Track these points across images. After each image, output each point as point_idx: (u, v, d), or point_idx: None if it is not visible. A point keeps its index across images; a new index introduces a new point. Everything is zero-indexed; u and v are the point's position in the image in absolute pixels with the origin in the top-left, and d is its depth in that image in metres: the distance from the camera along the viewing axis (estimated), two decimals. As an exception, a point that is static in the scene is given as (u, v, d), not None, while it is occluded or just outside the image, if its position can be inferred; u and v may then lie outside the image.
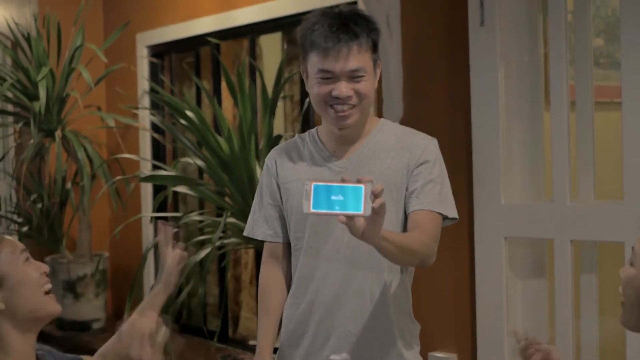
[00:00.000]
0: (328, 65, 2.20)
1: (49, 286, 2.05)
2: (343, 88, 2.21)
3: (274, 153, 2.44)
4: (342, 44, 2.18)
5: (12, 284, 1.96)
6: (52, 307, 2.03)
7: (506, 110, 3.51)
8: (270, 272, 2.43)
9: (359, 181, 1.87)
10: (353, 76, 2.21)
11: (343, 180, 1.89)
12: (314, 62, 2.23)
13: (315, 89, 2.25)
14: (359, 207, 1.86)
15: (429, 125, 3.64)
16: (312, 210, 1.88)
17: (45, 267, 2.06)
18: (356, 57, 2.20)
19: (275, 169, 2.40)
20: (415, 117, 3.76)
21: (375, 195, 1.87)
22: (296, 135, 2.47)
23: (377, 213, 1.89)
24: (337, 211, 1.87)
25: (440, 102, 3.73)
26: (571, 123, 3.33)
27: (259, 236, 2.43)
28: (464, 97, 3.59)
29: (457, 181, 3.55)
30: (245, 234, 2.47)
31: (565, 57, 3.28)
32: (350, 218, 1.89)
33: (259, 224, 2.42)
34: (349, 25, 2.19)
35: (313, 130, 2.42)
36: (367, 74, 2.23)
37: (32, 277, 2.00)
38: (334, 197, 1.87)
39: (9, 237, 2.08)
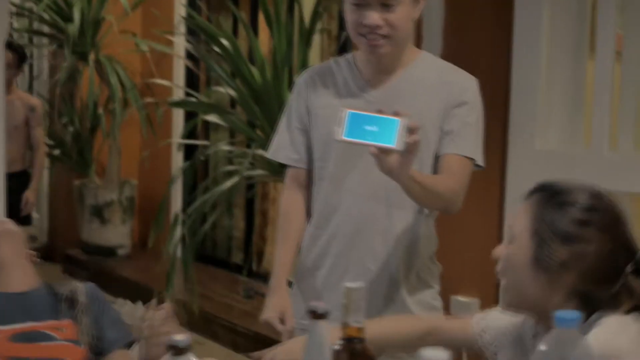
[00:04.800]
0: None
1: None
2: (373, 16, 2.12)
3: (306, 75, 2.35)
4: None
5: None
6: None
7: (549, 53, 3.39)
8: (293, 198, 2.35)
9: (395, 114, 1.79)
10: (385, 4, 2.12)
11: (379, 111, 1.81)
12: None
13: (348, 16, 2.18)
14: (392, 140, 1.79)
15: (467, 63, 3.51)
16: (344, 137, 1.80)
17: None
18: None
19: (306, 92, 2.31)
20: (455, 54, 3.63)
21: (410, 131, 1.79)
22: (331, 59, 2.37)
23: (410, 150, 1.82)
24: (369, 142, 1.79)
25: (480, 40, 3.61)
26: (616, 73, 3.21)
27: (282, 159, 2.36)
28: (506, 37, 3.48)
29: (492, 123, 3.45)
30: (268, 155, 2.39)
31: (613, 4, 3.15)
32: (381, 151, 1.81)
33: (284, 146, 2.34)
34: None
35: (349, 55, 2.32)
36: (401, 4, 2.12)
37: None
38: (367, 127, 1.79)
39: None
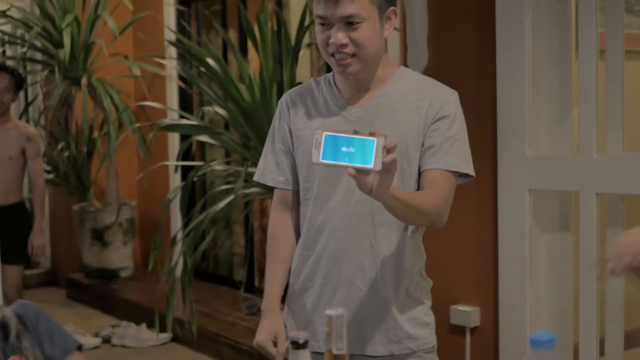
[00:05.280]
0: (321, 11, 2.12)
1: None
2: (337, 35, 2.12)
3: (287, 97, 2.36)
4: None
5: None
6: None
7: (533, 59, 3.40)
8: (280, 220, 2.36)
9: (371, 134, 1.80)
10: (347, 22, 2.11)
11: (355, 132, 1.81)
12: (314, 8, 2.16)
13: (317, 36, 2.18)
14: (370, 160, 1.79)
15: (453, 73, 3.55)
16: (321, 160, 1.81)
17: None
18: (348, 3, 2.09)
19: (287, 114, 2.32)
20: (440, 64, 3.67)
21: (387, 150, 1.80)
22: (312, 79, 2.38)
23: (388, 169, 1.82)
24: (346, 163, 1.80)
25: (465, 49, 3.63)
26: (600, 73, 3.21)
27: (269, 182, 2.36)
28: (490, 44, 3.49)
29: (480, 132, 3.49)
30: (255, 178, 2.40)
31: (594, 3, 3.16)
32: (359, 171, 1.82)
33: (270, 169, 2.35)
34: None
35: (329, 75, 2.32)
36: (365, 21, 2.12)
37: None
38: (344, 149, 1.80)
39: None
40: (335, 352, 1.39)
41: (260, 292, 5.67)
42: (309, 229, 2.29)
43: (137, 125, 5.57)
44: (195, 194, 6.03)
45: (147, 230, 6.58)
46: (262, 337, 2.25)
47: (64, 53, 5.68)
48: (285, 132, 2.32)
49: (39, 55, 6.42)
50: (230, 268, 6.24)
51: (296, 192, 2.33)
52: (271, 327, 2.26)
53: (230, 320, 5.18)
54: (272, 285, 2.33)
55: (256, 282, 5.86)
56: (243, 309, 5.32)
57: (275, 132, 2.35)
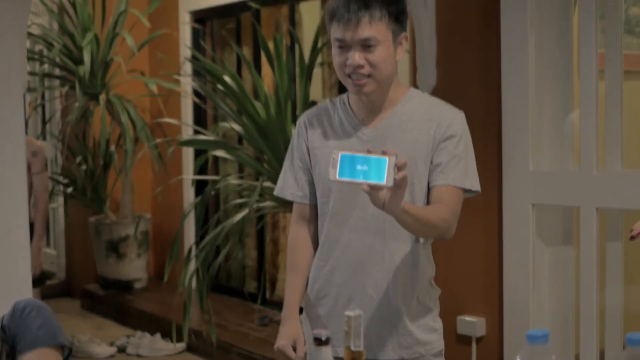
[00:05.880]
0: (340, 34, 2.27)
1: None
2: (355, 56, 2.26)
3: (305, 117, 2.52)
4: (351, 13, 2.24)
5: None
6: None
7: (536, 78, 3.53)
8: (299, 232, 2.52)
9: (384, 153, 1.96)
10: (364, 45, 2.26)
11: (368, 151, 1.98)
12: (332, 31, 2.31)
13: (334, 59, 2.33)
14: (382, 177, 1.95)
15: (460, 93, 3.70)
16: (337, 178, 1.98)
17: None
18: (366, 27, 2.24)
19: (305, 133, 2.48)
20: (448, 84, 3.81)
21: (398, 168, 1.96)
22: (327, 100, 2.53)
23: (399, 185, 1.98)
24: (360, 180, 1.96)
25: (471, 69, 3.77)
26: (600, 91, 3.35)
27: (288, 196, 2.52)
28: (495, 65, 3.64)
29: (486, 148, 3.63)
30: (275, 193, 2.56)
31: (594, 25, 3.30)
32: (372, 187, 1.98)
33: (289, 184, 2.51)
34: None
35: (344, 96, 2.48)
36: (381, 44, 2.26)
37: None
38: (359, 167, 1.96)
39: None
40: (353, 349, 1.54)
41: (271, 303, 5.81)
42: (325, 241, 2.44)
43: (156, 141, 5.72)
44: (208, 207, 6.18)
45: (161, 242, 6.74)
46: (282, 342, 2.40)
47: (84, 70, 5.86)
48: (303, 150, 2.47)
49: (57, 71, 6.60)
50: (242, 280, 6.38)
51: (314, 206, 2.48)
52: (290, 333, 2.42)
53: (243, 331, 5.32)
54: (291, 293, 2.48)
55: (268, 294, 6.00)
56: (255, 320, 5.46)
57: (294, 150, 2.50)
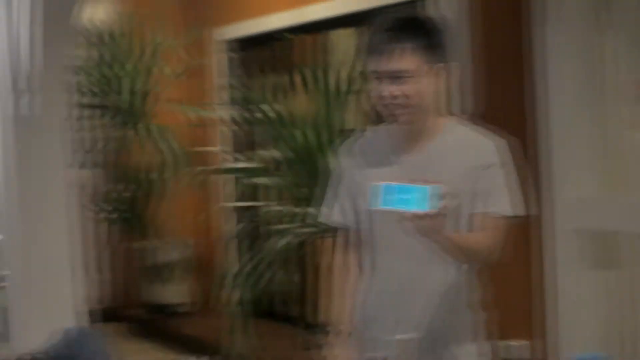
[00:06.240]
0: (374, 66, 2.32)
1: None
2: (389, 89, 2.31)
3: (347, 146, 2.57)
4: (384, 46, 2.28)
5: None
6: None
7: (576, 103, 3.54)
8: (345, 258, 2.56)
9: (425, 181, 2.00)
10: (397, 77, 2.30)
11: (410, 181, 2.02)
12: (368, 63, 2.35)
13: (372, 89, 2.37)
14: (424, 206, 2.00)
15: (497, 120, 3.70)
16: (380, 206, 2.02)
17: None
18: (399, 59, 2.28)
19: (347, 161, 2.52)
20: (486, 112, 3.83)
21: (440, 196, 2.00)
22: (369, 128, 2.58)
23: (441, 213, 2.03)
24: (403, 209, 2.00)
25: (509, 96, 3.78)
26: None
27: (333, 223, 2.56)
28: (534, 91, 3.65)
29: (526, 174, 3.63)
30: (320, 219, 2.61)
31: (634, 50, 3.31)
32: (415, 216, 2.02)
33: (333, 211, 2.55)
34: (399, 28, 2.29)
35: (386, 124, 2.50)
36: (415, 76, 2.29)
37: None
38: (400, 196, 2.01)
39: None
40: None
41: (314, 327, 5.82)
42: (370, 267, 2.48)
43: (199, 169, 5.77)
44: (249, 234, 6.22)
45: (203, 267, 6.80)
46: None
47: (123, 99, 5.97)
48: (345, 177, 2.52)
49: (96, 101, 6.71)
50: (284, 305, 6.41)
51: (358, 232, 2.52)
52: (340, 357, 2.48)
53: (287, 355, 5.35)
54: (340, 317, 2.53)
55: (310, 319, 6.01)
56: (299, 344, 5.49)
57: (337, 177, 2.55)
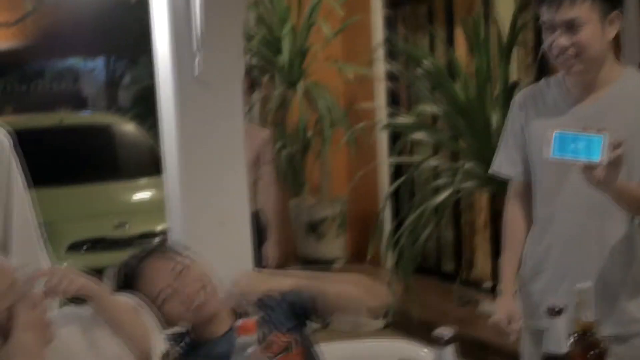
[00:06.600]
0: (545, 16, 2.30)
1: None
2: (560, 39, 2.28)
3: (519, 96, 2.56)
4: None
5: None
6: None
7: None
8: (514, 209, 2.57)
9: (599, 131, 1.98)
10: (569, 26, 2.26)
11: (584, 129, 2.00)
12: (540, 14, 2.33)
13: (544, 39, 2.35)
14: (597, 156, 1.98)
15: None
16: (552, 155, 2.01)
17: None
18: (569, 8, 2.24)
19: (520, 112, 2.52)
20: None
21: (614, 146, 1.97)
22: (543, 79, 2.56)
23: (614, 163, 2.00)
24: (575, 158, 1.99)
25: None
26: None
27: (504, 174, 2.58)
28: None
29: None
30: (490, 171, 2.62)
31: None
32: (587, 166, 2.00)
33: (504, 163, 2.57)
34: None
35: (559, 75, 2.48)
36: (586, 24, 2.25)
37: None
38: (573, 145, 1.99)
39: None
40: (584, 320, 1.59)
41: (469, 284, 5.84)
42: (540, 219, 2.48)
43: (360, 126, 5.84)
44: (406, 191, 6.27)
45: (357, 223, 6.91)
46: (498, 316, 2.47)
47: (283, 59, 6.12)
48: (517, 129, 2.52)
49: (256, 61, 6.90)
50: (439, 260, 6.45)
51: (529, 184, 2.53)
52: (506, 308, 2.48)
53: (442, 310, 5.39)
54: (507, 269, 2.54)
55: (465, 275, 6.03)
56: (454, 299, 5.52)
57: (509, 128, 2.55)
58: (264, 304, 2.28)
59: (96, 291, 1.92)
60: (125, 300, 2.04)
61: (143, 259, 2.20)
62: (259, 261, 4.12)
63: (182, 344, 2.20)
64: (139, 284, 2.16)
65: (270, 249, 4.39)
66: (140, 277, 2.17)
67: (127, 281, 2.18)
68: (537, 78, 3.91)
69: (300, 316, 2.30)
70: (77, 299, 1.89)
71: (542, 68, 4.78)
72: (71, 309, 2.00)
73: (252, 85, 4.43)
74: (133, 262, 2.21)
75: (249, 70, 4.48)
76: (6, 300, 1.57)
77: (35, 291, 1.70)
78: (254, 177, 4.31)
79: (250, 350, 1.35)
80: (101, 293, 1.94)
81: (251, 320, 1.37)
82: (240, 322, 1.37)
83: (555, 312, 1.56)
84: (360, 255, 6.43)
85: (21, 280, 1.67)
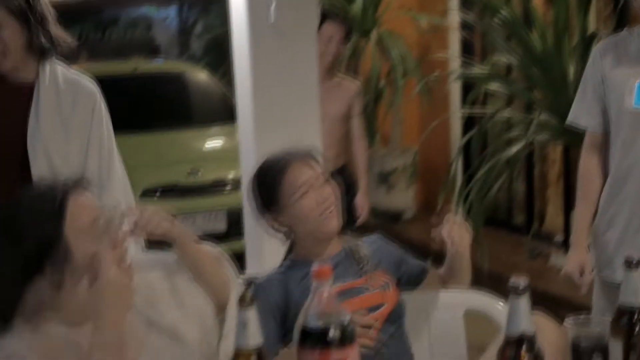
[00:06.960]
0: None
1: None
2: None
3: (600, 46, 2.52)
4: None
5: None
6: None
7: None
8: (590, 161, 2.54)
9: None
10: None
11: None
12: None
13: None
14: None
15: None
16: (635, 105, 1.97)
17: None
18: None
19: (600, 62, 2.48)
20: None
21: None
22: (625, 29, 2.51)
23: None
24: None
25: None
26: None
27: (580, 125, 2.55)
28: None
29: None
30: (567, 122, 2.59)
31: None
32: None
33: (582, 114, 2.54)
34: None
35: None
36: None
37: None
38: None
39: None
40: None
41: (540, 237, 5.79)
42: (616, 171, 2.45)
43: (434, 75, 5.78)
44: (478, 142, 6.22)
45: (428, 175, 6.89)
46: (570, 268, 2.46)
47: (356, 7, 6.08)
48: (597, 79, 2.47)
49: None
50: (510, 213, 6.40)
51: (606, 135, 2.49)
52: (578, 259, 2.47)
53: (513, 262, 5.37)
54: (581, 221, 2.53)
55: (536, 228, 5.98)
56: (525, 252, 5.49)
57: (588, 79, 2.51)
58: (380, 247, 2.28)
59: (182, 236, 1.93)
60: (209, 249, 2.04)
61: (295, 156, 2.16)
62: (350, 213, 4.05)
63: (281, 267, 2.16)
64: (284, 174, 2.10)
65: (361, 201, 4.35)
66: (288, 168, 2.11)
67: (272, 168, 2.15)
68: (616, 29, 3.81)
69: (401, 276, 2.29)
70: (163, 243, 1.92)
71: (621, 19, 4.65)
72: (156, 254, 2.02)
73: (347, 34, 4.28)
74: (283, 155, 2.16)
75: (343, 19, 4.37)
76: (94, 237, 1.62)
77: (120, 230, 1.72)
78: (344, 130, 4.33)
79: (325, 293, 1.37)
80: (186, 239, 1.95)
81: (327, 266, 1.38)
82: (316, 265, 1.38)
83: (633, 264, 1.54)
84: (429, 207, 6.43)
85: (110, 217, 1.69)
